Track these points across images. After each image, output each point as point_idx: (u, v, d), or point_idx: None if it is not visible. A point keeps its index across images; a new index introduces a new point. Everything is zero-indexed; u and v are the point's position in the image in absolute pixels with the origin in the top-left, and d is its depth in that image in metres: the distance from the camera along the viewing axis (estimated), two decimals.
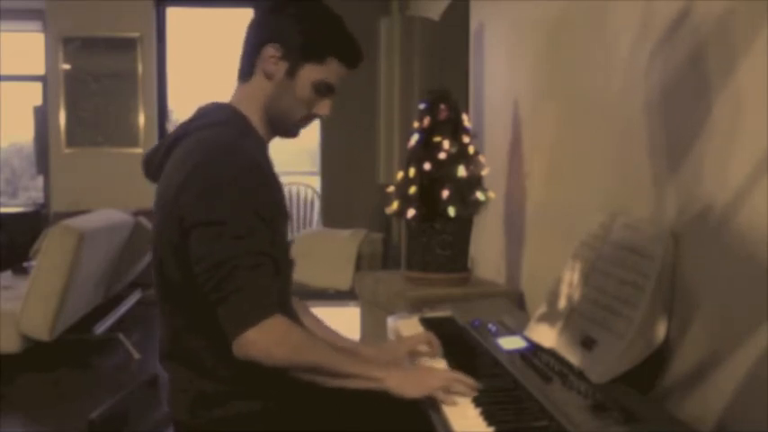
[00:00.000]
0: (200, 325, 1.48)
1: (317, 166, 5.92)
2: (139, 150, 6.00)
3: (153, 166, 1.59)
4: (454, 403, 1.40)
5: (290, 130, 1.61)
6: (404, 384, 1.43)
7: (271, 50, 1.52)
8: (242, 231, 1.37)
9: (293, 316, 1.60)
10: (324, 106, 1.58)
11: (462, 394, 1.43)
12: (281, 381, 1.41)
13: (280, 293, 1.45)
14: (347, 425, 1.49)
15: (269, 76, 1.54)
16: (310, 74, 1.53)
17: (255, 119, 1.56)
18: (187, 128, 1.54)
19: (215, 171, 1.41)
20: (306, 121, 1.60)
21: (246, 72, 1.57)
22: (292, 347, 1.39)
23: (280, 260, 1.46)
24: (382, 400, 1.43)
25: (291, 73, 1.53)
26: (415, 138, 2.61)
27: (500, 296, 2.47)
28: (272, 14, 1.56)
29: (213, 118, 1.54)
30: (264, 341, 1.35)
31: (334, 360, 1.43)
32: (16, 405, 3.60)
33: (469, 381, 1.46)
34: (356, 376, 1.43)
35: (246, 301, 1.35)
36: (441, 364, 1.67)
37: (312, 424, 1.50)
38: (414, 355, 1.73)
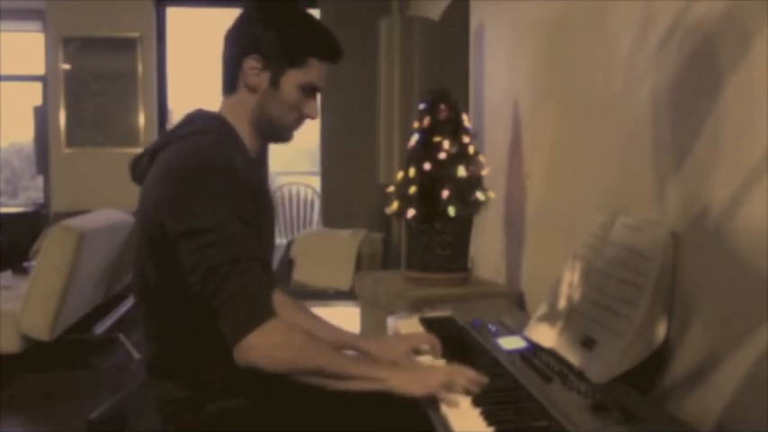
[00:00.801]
0: (179, 330, 1.49)
1: (317, 166, 5.91)
2: (139, 150, 5.97)
3: (138, 171, 1.61)
4: (456, 404, 1.39)
5: (282, 136, 1.62)
6: (407, 383, 1.42)
7: (251, 63, 1.53)
8: (229, 238, 1.37)
9: None
10: (311, 107, 1.59)
11: (466, 392, 1.42)
12: (270, 380, 1.41)
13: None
14: (346, 425, 1.49)
15: (253, 89, 1.54)
16: (294, 78, 1.54)
17: (244, 130, 1.57)
18: (171, 135, 1.55)
19: (196, 179, 1.42)
20: (296, 123, 1.60)
21: (230, 86, 1.58)
22: (295, 350, 1.39)
23: (267, 261, 1.48)
24: (382, 400, 1.43)
25: (275, 82, 1.54)
26: (415, 138, 2.61)
27: (500, 296, 2.47)
28: (246, 25, 1.56)
29: (198, 127, 1.54)
30: (266, 345, 1.35)
31: (337, 362, 1.43)
32: (16, 405, 3.59)
33: (471, 373, 1.45)
34: (359, 377, 1.42)
35: (243, 307, 1.35)
36: (441, 364, 1.67)
37: (310, 424, 1.50)
38: (414, 351, 1.73)
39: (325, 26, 1.60)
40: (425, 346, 1.73)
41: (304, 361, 1.39)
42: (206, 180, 1.41)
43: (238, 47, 1.55)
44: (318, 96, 1.61)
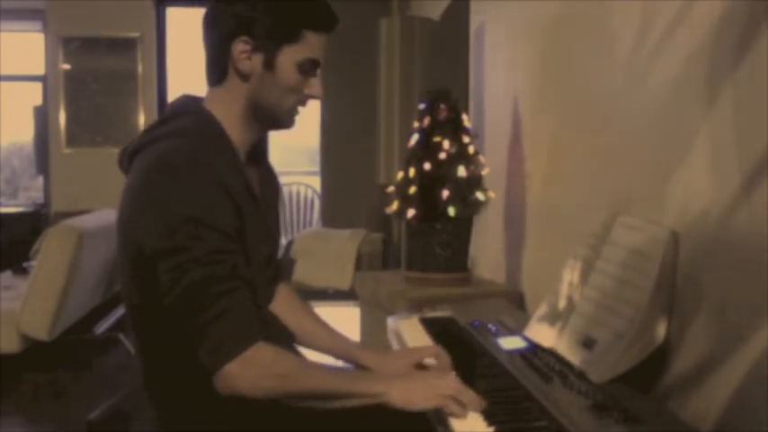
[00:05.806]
0: (162, 350, 1.43)
1: (317, 166, 5.91)
2: None
3: (123, 165, 1.50)
4: (464, 416, 1.30)
5: (282, 122, 1.47)
6: (410, 396, 1.32)
7: (240, 46, 1.37)
8: (208, 256, 1.26)
9: (271, 323, 1.54)
10: (314, 86, 1.43)
11: (471, 407, 1.32)
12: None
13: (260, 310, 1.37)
14: (344, 425, 1.48)
15: (245, 75, 1.39)
16: (291, 57, 1.38)
17: (233, 125, 1.43)
18: (149, 136, 1.43)
19: (169, 193, 1.29)
20: (299, 105, 1.45)
21: (218, 75, 1.43)
22: (281, 377, 1.30)
23: (255, 278, 1.37)
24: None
25: (269, 63, 1.38)
26: (415, 138, 2.61)
27: (500, 296, 2.47)
28: (228, 5, 1.39)
29: (176, 126, 1.41)
30: (248, 374, 1.26)
31: (330, 382, 1.34)
32: (16, 405, 3.60)
33: (475, 396, 1.34)
34: (356, 395, 1.33)
35: (222, 332, 1.26)
36: None
37: (309, 424, 1.49)
38: (420, 368, 1.62)
39: None
40: (429, 360, 1.60)
41: (292, 387, 1.31)
42: (181, 194, 1.29)
43: (223, 30, 1.38)
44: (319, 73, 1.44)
